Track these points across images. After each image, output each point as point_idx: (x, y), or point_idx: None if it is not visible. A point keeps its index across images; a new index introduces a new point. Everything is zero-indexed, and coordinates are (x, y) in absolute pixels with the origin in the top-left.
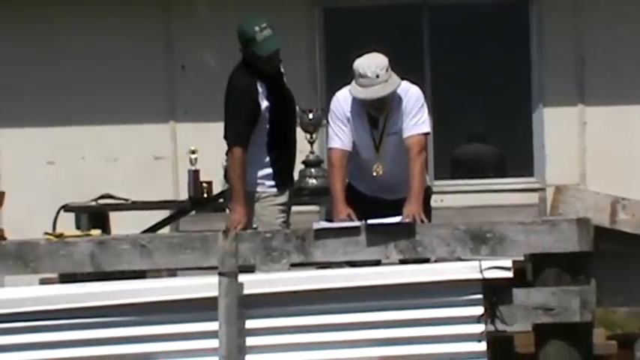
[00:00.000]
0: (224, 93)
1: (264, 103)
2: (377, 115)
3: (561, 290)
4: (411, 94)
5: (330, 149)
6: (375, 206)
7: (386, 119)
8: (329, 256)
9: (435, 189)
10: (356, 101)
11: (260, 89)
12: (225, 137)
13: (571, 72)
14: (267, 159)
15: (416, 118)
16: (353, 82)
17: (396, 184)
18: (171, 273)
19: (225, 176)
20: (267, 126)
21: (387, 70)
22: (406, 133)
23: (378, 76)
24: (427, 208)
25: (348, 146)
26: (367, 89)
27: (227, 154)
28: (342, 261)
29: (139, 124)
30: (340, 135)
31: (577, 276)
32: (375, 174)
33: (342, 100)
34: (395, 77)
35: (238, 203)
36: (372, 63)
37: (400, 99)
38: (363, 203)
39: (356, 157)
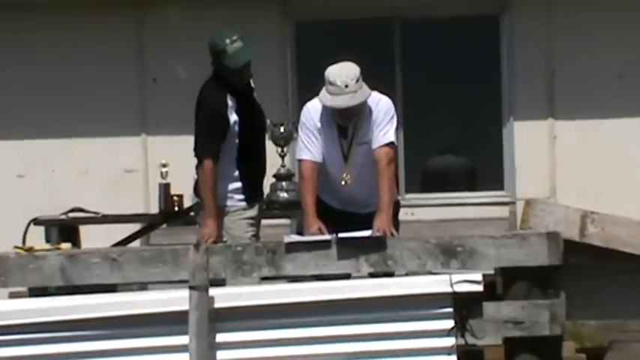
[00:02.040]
0: (189, 106)
1: (234, 117)
2: (343, 124)
3: (531, 304)
4: (382, 105)
5: (300, 161)
6: (345, 220)
7: (355, 129)
8: (300, 269)
9: (405, 202)
10: (326, 110)
11: (230, 103)
12: (195, 151)
13: (541, 85)
14: (237, 173)
15: (385, 129)
16: (323, 89)
17: (365, 196)
18: (142, 286)
19: (195, 190)
20: (237, 140)
21: (357, 81)
22: (375, 144)
23: (347, 86)
24: (395, 222)
25: (318, 158)
26: (335, 97)
27: (197, 167)
28: (312, 275)
29: (110, 137)
30: (310, 146)
31: (547, 289)
32: (343, 182)
33: (313, 110)
34: (365, 89)
35: (209, 217)
36: (342, 72)
37: (370, 110)
38: (333, 217)
39: (325, 168)
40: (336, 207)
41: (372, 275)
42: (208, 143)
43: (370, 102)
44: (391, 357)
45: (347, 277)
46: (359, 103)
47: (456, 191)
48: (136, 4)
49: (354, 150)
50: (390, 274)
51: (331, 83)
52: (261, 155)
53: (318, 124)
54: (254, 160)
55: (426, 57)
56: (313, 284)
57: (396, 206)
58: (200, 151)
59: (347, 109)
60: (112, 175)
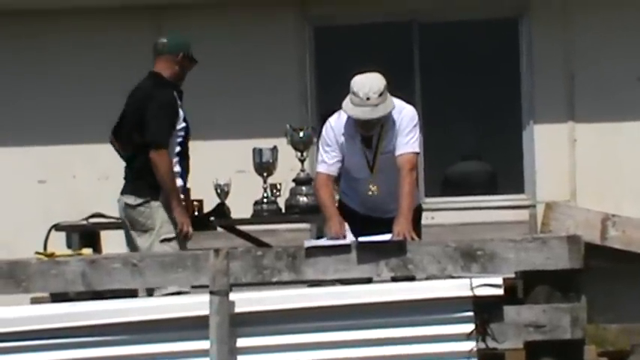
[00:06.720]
0: (208, 112)
1: (181, 114)
2: (364, 134)
3: (552, 307)
4: (405, 113)
5: (316, 172)
6: (369, 224)
7: (379, 138)
8: (320, 274)
9: (426, 206)
10: (349, 122)
11: (179, 102)
12: (154, 137)
13: (561, 89)
14: (178, 169)
15: (408, 137)
16: (347, 97)
17: (390, 202)
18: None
19: (137, 187)
20: (181, 138)
21: (380, 95)
22: (398, 152)
23: (368, 99)
24: (418, 227)
25: (333, 171)
26: (356, 108)
27: (150, 156)
28: (333, 279)
29: None
30: (327, 160)
31: (568, 293)
32: (370, 193)
33: (335, 125)
34: (388, 102)
35: (179, 204)
36: (366, 84)
37: (394, 118)
38: (357, 221)
39: (350, 177)
40: (359, 212)
41: (393, 279)
42: (165, 134)
43: (394, 111)
44: None
45: (368, 281)
46: (379, 117)
47: (476, 195)
48: (156, 13)
49: (379, 160)
50: (411, 279)
51: (354, 94)
52: (188, 158)
53: (341, 139)
54: (187, 161)
55: (445, 61)
56: (333, 288)
57: (418, 212)
58: (160, 139)
59: (367, 121)
60: None
